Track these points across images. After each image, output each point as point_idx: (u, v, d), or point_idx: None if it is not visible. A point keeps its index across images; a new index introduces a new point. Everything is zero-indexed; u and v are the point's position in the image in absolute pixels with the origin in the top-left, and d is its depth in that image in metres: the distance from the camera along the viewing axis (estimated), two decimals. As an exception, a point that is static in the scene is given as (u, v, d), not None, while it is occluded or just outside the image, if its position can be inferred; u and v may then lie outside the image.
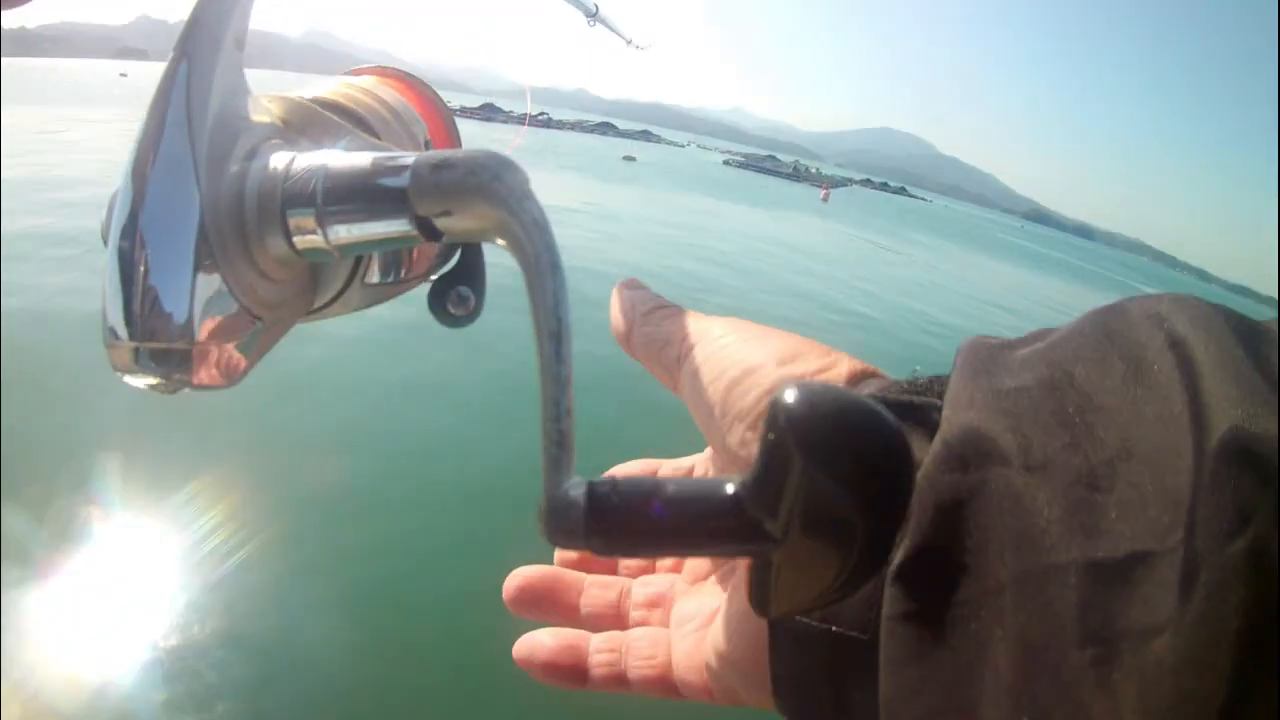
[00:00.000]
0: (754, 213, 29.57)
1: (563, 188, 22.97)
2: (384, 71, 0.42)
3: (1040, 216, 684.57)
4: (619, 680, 0.32)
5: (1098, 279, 61.64)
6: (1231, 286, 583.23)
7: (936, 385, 0.26)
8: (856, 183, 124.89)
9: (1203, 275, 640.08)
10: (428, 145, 0.40)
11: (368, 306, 0.37)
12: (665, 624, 0.34)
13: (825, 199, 53.03)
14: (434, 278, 0.41)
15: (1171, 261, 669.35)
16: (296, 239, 0.27)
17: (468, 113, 76.94)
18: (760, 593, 0.21)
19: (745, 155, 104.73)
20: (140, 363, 0.24)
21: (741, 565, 0.26)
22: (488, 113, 79.51)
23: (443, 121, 0.44)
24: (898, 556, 0.22)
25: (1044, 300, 25.79)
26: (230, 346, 0.25)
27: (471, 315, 0.42)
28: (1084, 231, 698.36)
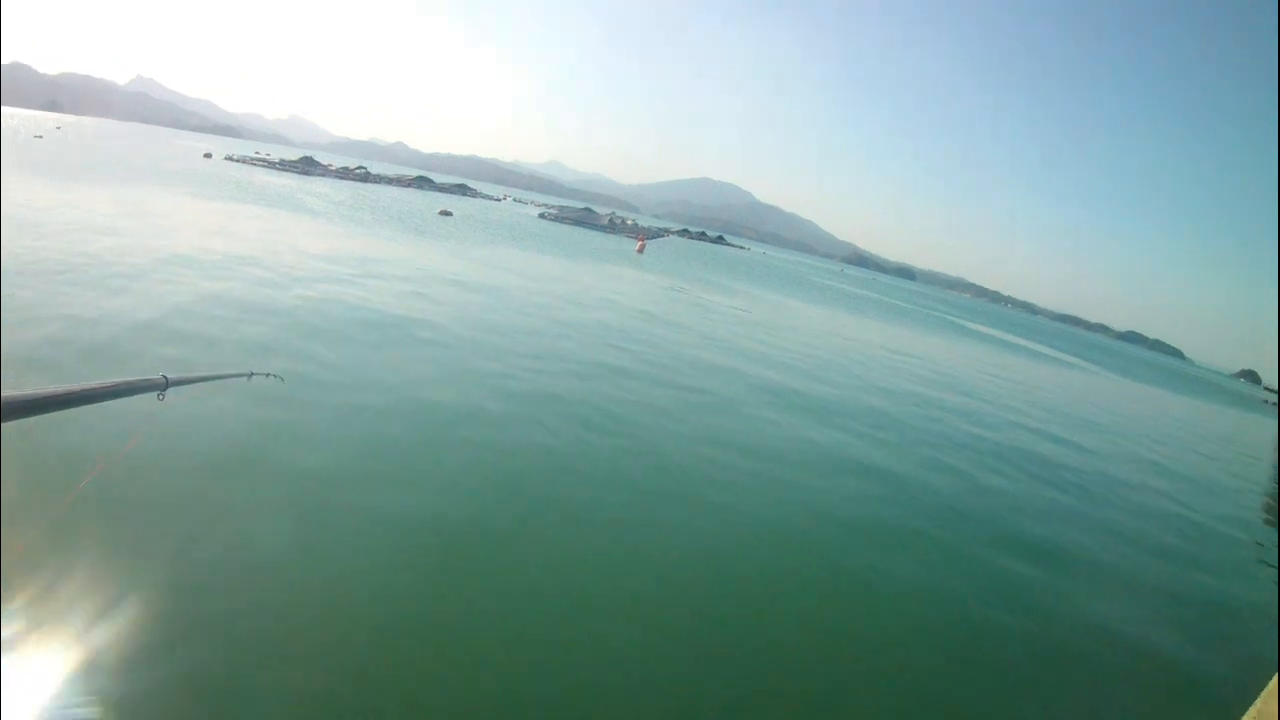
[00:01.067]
0: (565, 265, 32.64)
1: (377, 243, 27.18)
2: None
3: (861, 260, 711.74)
4: None
5: (915, 315, 65.54)
6: (1058, 316, 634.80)
7: None
8: (674, 233, 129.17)
9: (1029, 308, 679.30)
10: None
11: None
12: None
13: (641, 250, 56.73)
14: None
15: (996, 296, 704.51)
16: None
17: (287, 166, 75.64)
18: None
19: (561, 208, 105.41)
20: None
21: None
22: (306, 166, 78.20)
23: None
24: None
25: (841, 333, 29.66)
26: None
27: None
28: (905, 272, 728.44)
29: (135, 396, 1.74)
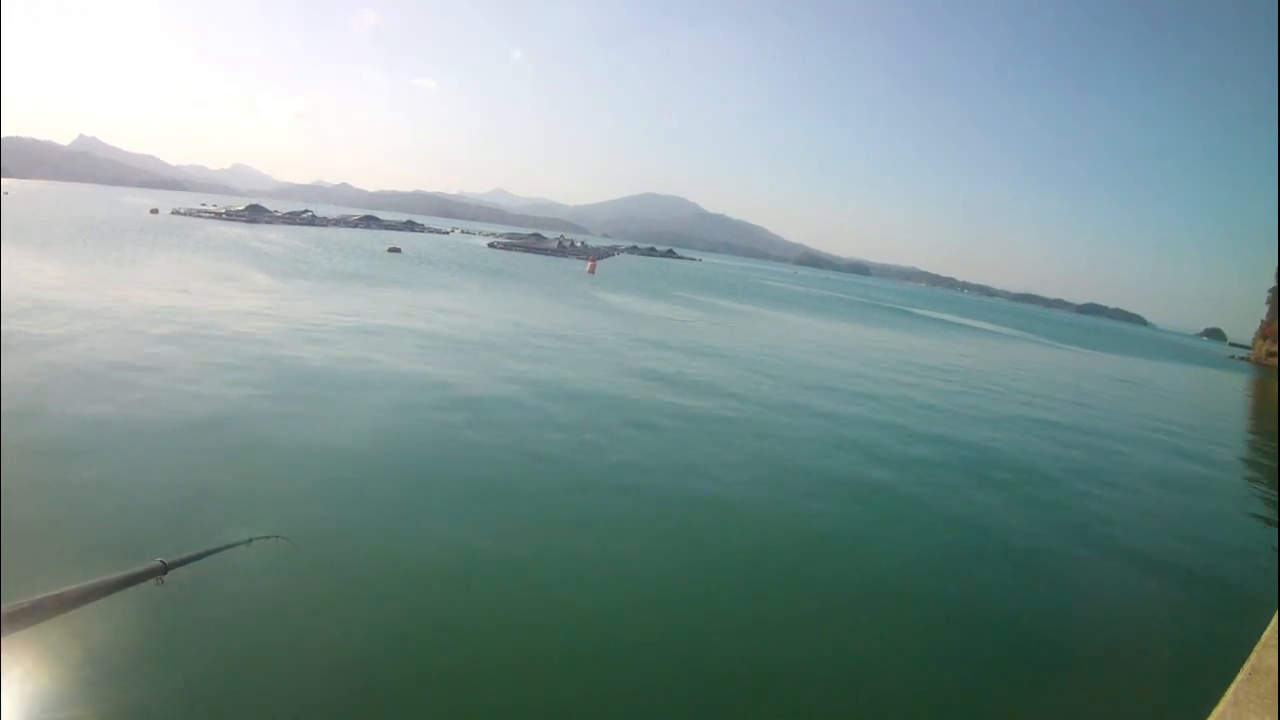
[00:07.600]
0: (521, 295, 33.07)
1: (324, 288, 27.54)
2: None
3: (813, 260, 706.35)
4: None
5: (870, 308, 68.21)
6: (1016, 296, 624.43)
7: None
8: (624, 250, 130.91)
9: (986, 290, 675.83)
10: None
11: None
12: None
13: (592, 271, 58.00)
14: None
15: (951, 283, 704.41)
16: None
17: (234, 216, 75.60)
18: None
19: (510, 236, 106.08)
20: None
21: None
22: (253, 214, 78.13)
23: None
24: None
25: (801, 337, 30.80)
26: None
27: None
28: (859, 268, 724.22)
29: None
